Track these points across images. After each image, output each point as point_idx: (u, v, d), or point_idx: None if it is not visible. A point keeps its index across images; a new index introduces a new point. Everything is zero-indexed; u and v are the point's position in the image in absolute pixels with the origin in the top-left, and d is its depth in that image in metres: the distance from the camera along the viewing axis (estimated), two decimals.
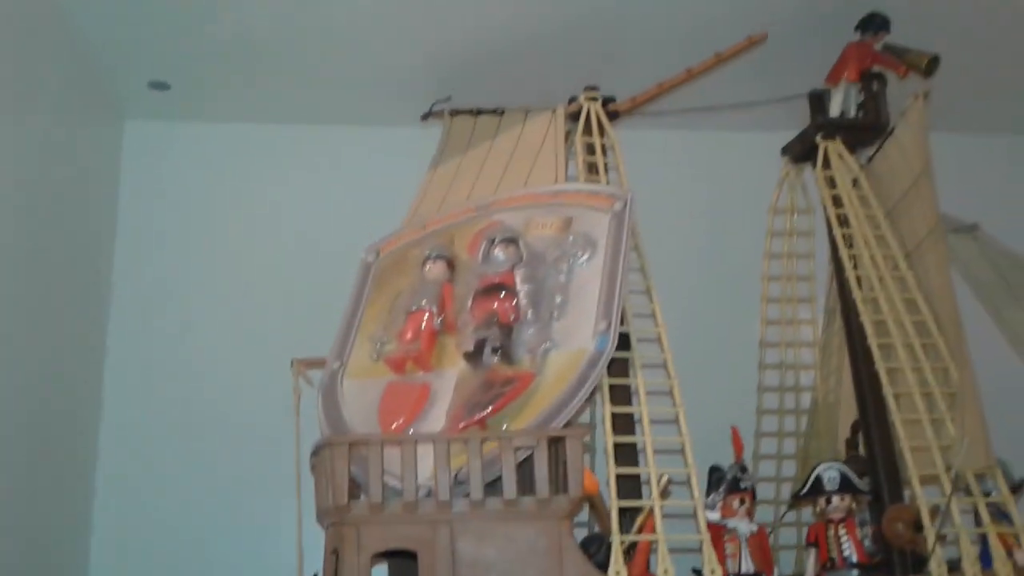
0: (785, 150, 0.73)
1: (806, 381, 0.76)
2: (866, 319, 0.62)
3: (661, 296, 0.63)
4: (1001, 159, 0.92)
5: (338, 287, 0.67)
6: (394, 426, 0.56)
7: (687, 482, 0.57)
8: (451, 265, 0.62)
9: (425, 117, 0.73)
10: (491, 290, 0.57)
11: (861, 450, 0.68)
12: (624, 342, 0.57)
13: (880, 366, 0.61)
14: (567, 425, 0.53)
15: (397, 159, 0.80)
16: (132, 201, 0.80)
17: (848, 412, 0.72)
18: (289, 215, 0.82)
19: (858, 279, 0.64)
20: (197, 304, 0.78)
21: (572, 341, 0.55)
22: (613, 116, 0.68)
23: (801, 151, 0.71)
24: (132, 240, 0.79)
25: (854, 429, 0.70)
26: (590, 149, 0.65)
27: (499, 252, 0.59)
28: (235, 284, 0.79)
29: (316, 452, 0.56)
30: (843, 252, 0.65)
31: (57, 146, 0.67)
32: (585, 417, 0.62)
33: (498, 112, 0.70)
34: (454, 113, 0.72)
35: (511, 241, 0.59)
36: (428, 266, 0.61)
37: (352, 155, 0.84)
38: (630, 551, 0.55)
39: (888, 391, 0.61)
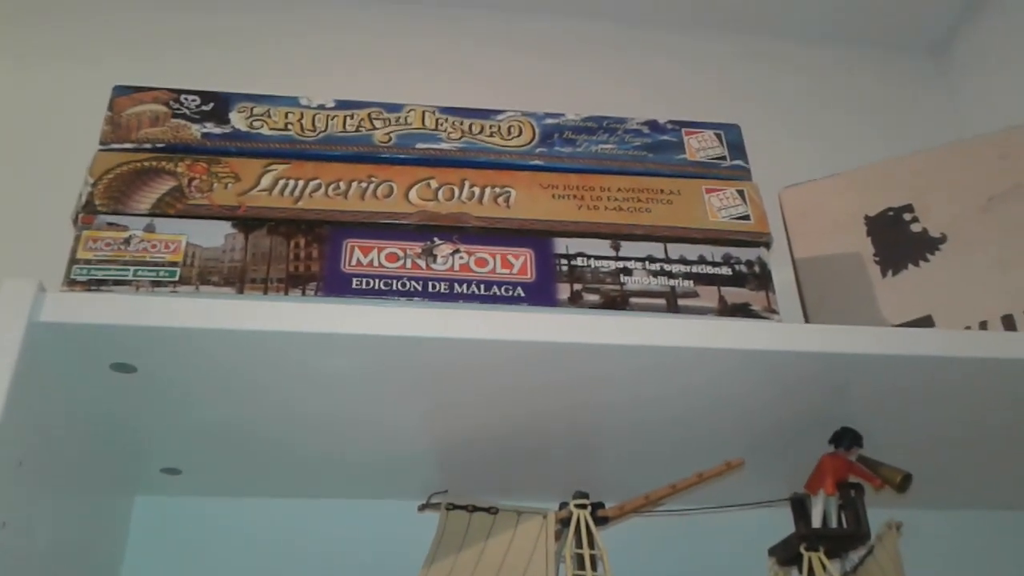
0: (772, 552, 0.75)
1: None
2: None
3: None
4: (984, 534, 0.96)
5: None
6: None
7: None
8: None
9: (422, 509, 0.76)
10: None
11: None
12: None
13: None
14: None
15: (397, 532, 0.82)
16: (135, 572, 0.81)
17: None
18: None
19: None
20: None
21: None
22: (603, 521, 0.70)
23: (786, 556, 0.73)
24: None
25: None
26: (580, 561, 0.67)
27: None
28: None
29: None
30: None
31: (66, 518, 0.69)
32: None
33: (492, 511, 0.73)
34: (450, 507, 0.74)
35: None
36: None
37: (354, 527, 0.86)
38: None
39: None
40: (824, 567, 0.70)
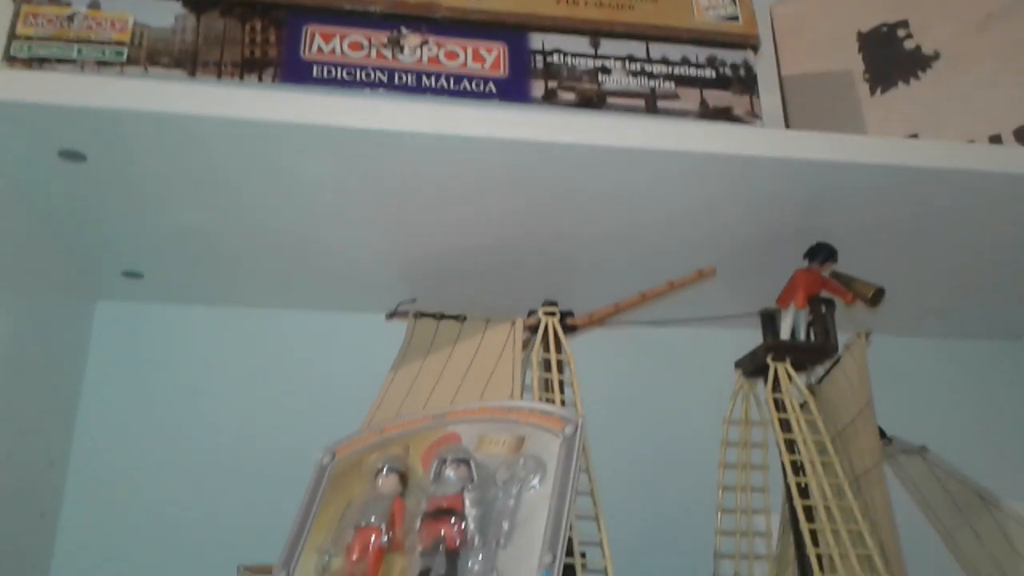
0: (739, 364, 0.75)
1: None
2: (811, 553, 0.63)
3: (611, 504, 0.64)
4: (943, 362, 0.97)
5: (298, 483, 0.66)
6: None
7: None
8: (403, 479, 0.62)
9: (390, 317, 0.75)
10: (440, 514, 0.58)
11: None
12: (571, 573, 0.58)
13: None
14: None
15: (364, 345, 0.82)
16: (97, 378, 0.80)
17: None
18: (252, 402, 0.82)
19: (806, 509, 0.65)
20: (149, 492, 0.78)
21: (516, 573, 0.55)
22: (571, 330, 0.70)
23: (753, 368, 0.73)
24: (93, 417, 0.79)
25: None
26: (547, 365, 0.67)
27: (450, 472, 0.60)
28: (191, 473, 0.79)
29: None
30: (791, 480, 0.66)
31: (27, 321, 0.68)
32: None
33: (460, 319, 0.72)
34: (418, 315, 0.74)
35: (462, 462, 0.60)
36: (380, 480, 0.62)
37: (319, 339, 0.85)
38: None
39: None
40: (790, 377, 0.70)
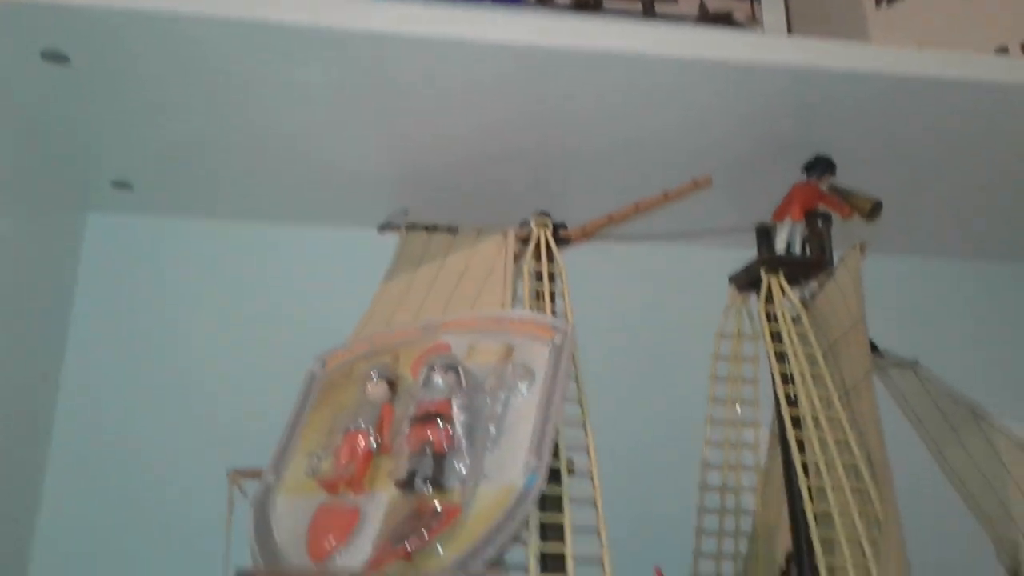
0: (732, 279, 0.75)
1: (748, 504, 0.77)
2: (796, 460, 0.64)
3: (601, 412, 0.64)
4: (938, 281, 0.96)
5: (289, 393, 0.67)
6: (325, 547, 0.56)
7: None
8: (393, 386, 0.62)
9: (381, 230, 0.75)
10: (427, 418, 0.58)
11: None
12: (557, 477, 0.58)
13: (808, 510, 0.62)
14: (492, 564, 0.53)
15: (356, 259, 0.81)
16: (89, 291, 0.80)
17: (788, 536, 0.72)
18: (244, 314, 0.82)
19: (793, 418, 0.65)
20: (143, 400, 0.78)
21: (502, 475, 0.56)
22: (563, 242, 0.69)
23: (747, 281, 0.73)
24: (84, 331, 0.79)
25: (787, 559, 0.71)
26: (538, 276, 0.67)
27: (439, 379, 0.60)
28: (183, 383, 0.79)
29: None
30: (779, 390, 0.66)
31: (17, 232, 0.68)
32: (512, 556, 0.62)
33: (451, 230, 0.72)
34: (409, 227, 0.73)
35: (451, 368, 0.61)
36: (370, 386, 0.62)
37: (311, 254, 0.85)
38: None
39: (815, 535, 0.62)
40: (783, 291, 0.70)
